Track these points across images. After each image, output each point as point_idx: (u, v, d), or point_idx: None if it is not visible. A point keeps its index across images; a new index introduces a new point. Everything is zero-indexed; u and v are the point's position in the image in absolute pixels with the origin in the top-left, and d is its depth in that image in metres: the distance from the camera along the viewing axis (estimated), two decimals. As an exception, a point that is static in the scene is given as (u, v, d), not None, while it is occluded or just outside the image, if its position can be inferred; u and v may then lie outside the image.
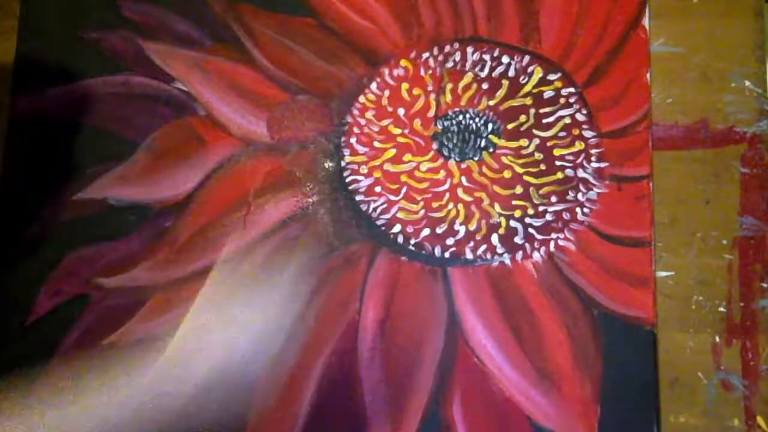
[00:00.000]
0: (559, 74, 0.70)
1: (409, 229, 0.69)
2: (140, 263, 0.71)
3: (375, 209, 0.70)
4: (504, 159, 0.69)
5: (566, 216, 0.67)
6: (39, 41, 0.77)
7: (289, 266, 0.69)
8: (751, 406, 0.62)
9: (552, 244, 0.67)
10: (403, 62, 0.72)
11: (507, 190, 0.68)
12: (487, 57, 0.71)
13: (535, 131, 0.69)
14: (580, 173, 0.68)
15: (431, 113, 0.71)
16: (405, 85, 0.72)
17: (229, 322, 0.68)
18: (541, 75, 0.70)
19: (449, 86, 0.71)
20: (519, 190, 0.68)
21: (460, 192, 0.69)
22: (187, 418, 0.67)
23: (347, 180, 0.71)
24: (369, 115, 0.71)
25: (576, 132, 0.68)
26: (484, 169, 0.69)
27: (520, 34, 0.71)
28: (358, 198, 0.70)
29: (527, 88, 0.70)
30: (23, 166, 0.74)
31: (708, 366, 0.63)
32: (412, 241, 0.68)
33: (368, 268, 0.68)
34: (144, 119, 0.74)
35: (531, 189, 0.68)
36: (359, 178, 0.71)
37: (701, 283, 0.65)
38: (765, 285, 0.64)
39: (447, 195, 0.69)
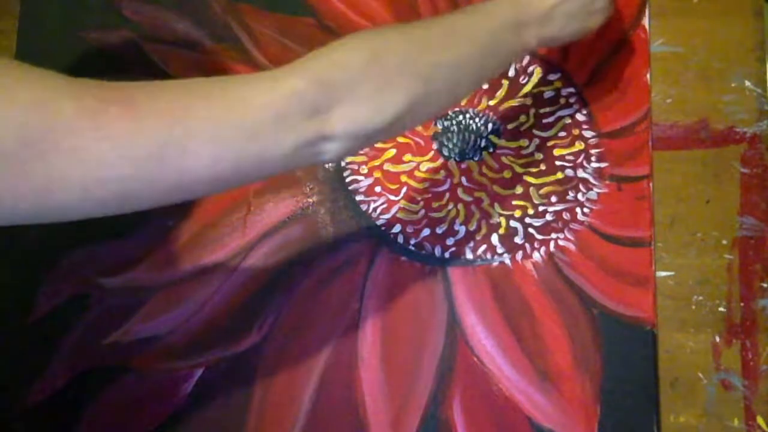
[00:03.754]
0: (559, 74, 0.70)
1: (409, 229, 0.69)
2: (140, 263, 0.71)
3: (375, 209, 0.70)
4: (504, 159, 0.69)
5: (566, 216, 0.67)
6: (39, 41, 0.77)
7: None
8: (751, 406, 0.62)
9: (552, 244, 0.67)
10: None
11: (507, 190, 0.68)
12: (487, 57, 0.71)
13: (535, 131, 0.69)
14: (580, 173, 0.68)
15: (431, 113, 0.71)
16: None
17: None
18: (541, 75, 0.70)
19: (449, 86, 0.71)
20: (519, 190, 0.68)
21: (460, 192, 0.69)
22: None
23: (347, 180, 0.71)
24: (369, 115, 0.71)
25: (576, 132, 0.68)
26: (484, 169, 0.69)
27: (520, 34, 0.71)
28: (358, 198, 0.70)
29: (527, 88, 0.70)
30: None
31: (708, 366, 0.63)
32: (412, 241, 0.68)
33: (368, 268, 0.68)
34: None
35: (531, 189, 0.68)
36: (359, 178, 0.71)
37: (701, 283, 0.64)
38: (765, 285, 0.64)
39: (447, 195, 0.69)
